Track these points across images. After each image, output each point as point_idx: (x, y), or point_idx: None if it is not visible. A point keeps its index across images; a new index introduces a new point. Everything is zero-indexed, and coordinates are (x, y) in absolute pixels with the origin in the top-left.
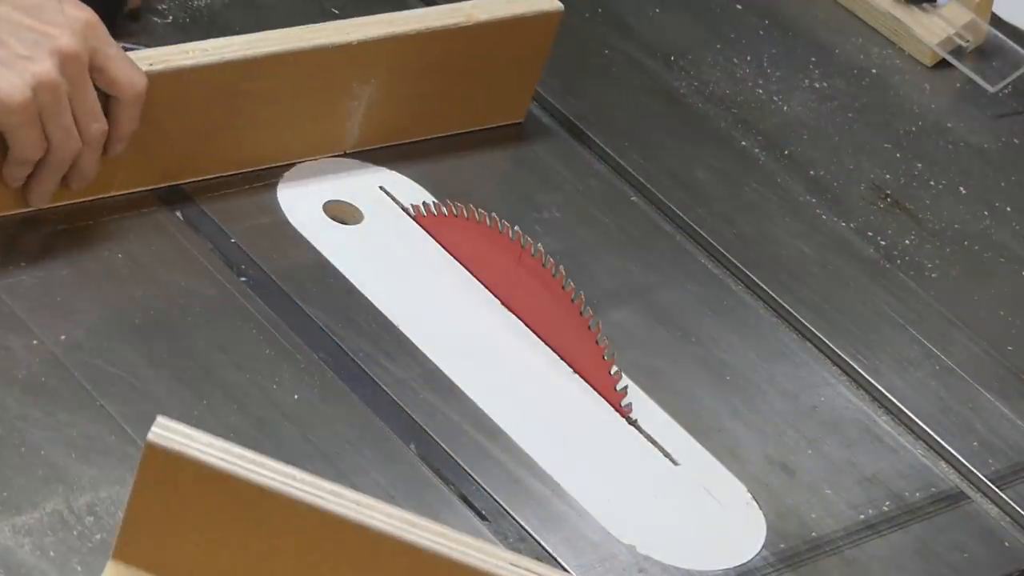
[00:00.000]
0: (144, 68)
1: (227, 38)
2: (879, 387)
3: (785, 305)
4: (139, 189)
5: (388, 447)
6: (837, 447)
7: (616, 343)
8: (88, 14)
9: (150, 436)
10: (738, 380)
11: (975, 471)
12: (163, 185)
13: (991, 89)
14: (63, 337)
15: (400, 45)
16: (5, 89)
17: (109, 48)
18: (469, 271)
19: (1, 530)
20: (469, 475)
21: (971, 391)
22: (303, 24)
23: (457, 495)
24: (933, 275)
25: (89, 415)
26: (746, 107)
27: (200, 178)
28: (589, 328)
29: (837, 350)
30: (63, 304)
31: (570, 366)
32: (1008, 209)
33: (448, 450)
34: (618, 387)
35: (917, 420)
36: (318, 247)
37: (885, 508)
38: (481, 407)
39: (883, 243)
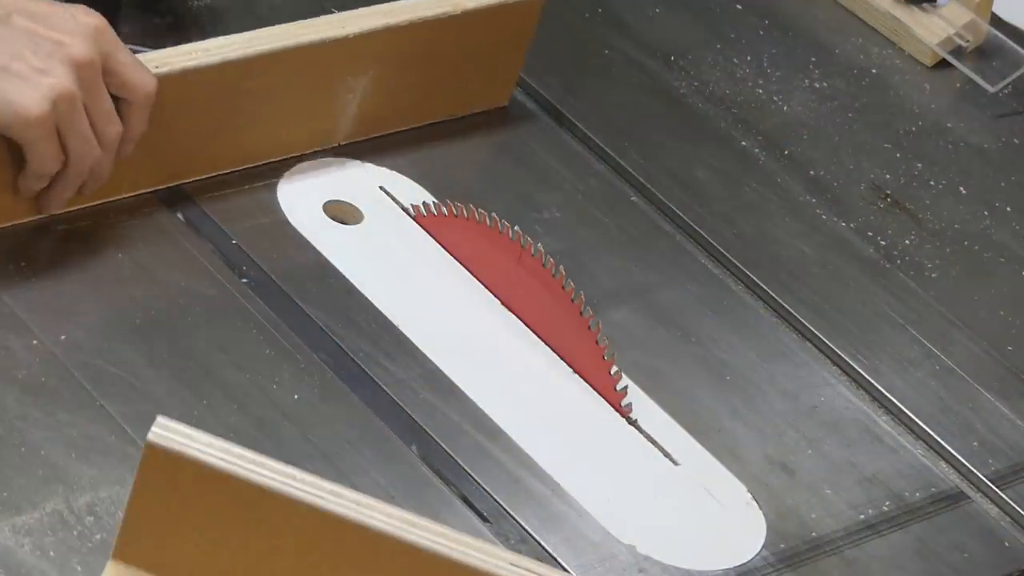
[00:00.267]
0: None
1: (227, 37)
2: (879, 387)
3: (785, 305)
4: (145, 191)
5: (388, 447)
6: (837, 447)
7: (616, 343)
8: (97, 19)
9: (150, 436)
10: (738, 380)
11: (975, 471)
12: (168, 185)
13: (991, 89)
14: (63, 337)
15: (393, 36)
16: (24, 103)
17: (119, 52)
18: (469, 271)
19: (1, 530)
20: (469, 475)
21: (971, 391)
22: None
23: (457, 495)
24: (933, 275)
25: (89, 415)
26: (746, 107)
27: (203, 176)
28: (589, 328)
29: (837, 350)
30: (63, 304)
31: (570, 366)
32: (1008, 209)
33: (448, 450)
34: (618, 387)
35: (917, 420)
36: (318, 247)
37: (885, 508)
38: (481, 407)
39: (883, 243)
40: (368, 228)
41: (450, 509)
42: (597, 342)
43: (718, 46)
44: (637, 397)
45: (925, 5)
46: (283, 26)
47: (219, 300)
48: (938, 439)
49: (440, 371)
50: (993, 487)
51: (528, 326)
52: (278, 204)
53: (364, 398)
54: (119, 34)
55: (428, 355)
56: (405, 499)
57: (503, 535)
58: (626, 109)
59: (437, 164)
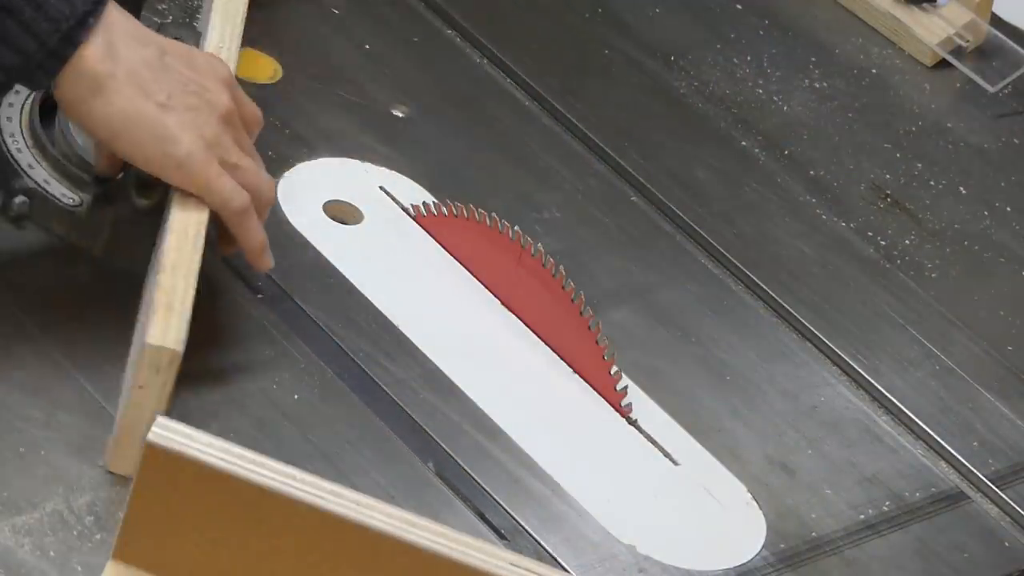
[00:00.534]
0: None
1: (210, 25)
2: (879, 387)
3: (785, 305)
4: None
5: (388, 447)
6: (837, 447)
7: (616, 343)
8: (227, 66)
9: (150, 436)
10: (738, 380)
11: (975, 471)
12: None
13: (991, 89)
14: (63, 337)
15: None
16: (183, 139)
17: (240, 93)
18: (469, 271)
19: (1, 530)
20: (469, 475)
21: (971, 391)
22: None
23: (457, 495)
24: (933, 275)
25: (89, 415)
26: (746, 107)
27: None
28: (589, 328)
29: (837, 350)
30: (64, 304)
31: (570, 366)
32: (1008, 209)
33: (448, 450)
34: (618, 387)
35: (917, 420)
36: (318, 247)
37: (885, 508)
38: (481, 407)
39: (883, 243)
40: (368, 228)
41: (450, 509)
42: (597, 342)
43: (718, 46)
44: (637, 397)
45: (925, 5)
46: None
47: (219, 300)
48: (938, 439)
49: (440, 371)
50: (993, 487)
51: (528, 326)
52: (278, 204)
53: (364, 398)
54: None
55: (428, 355)
56: (405, 499)
57: (503, 535)
58: (626, 109)
59: (437, 164)
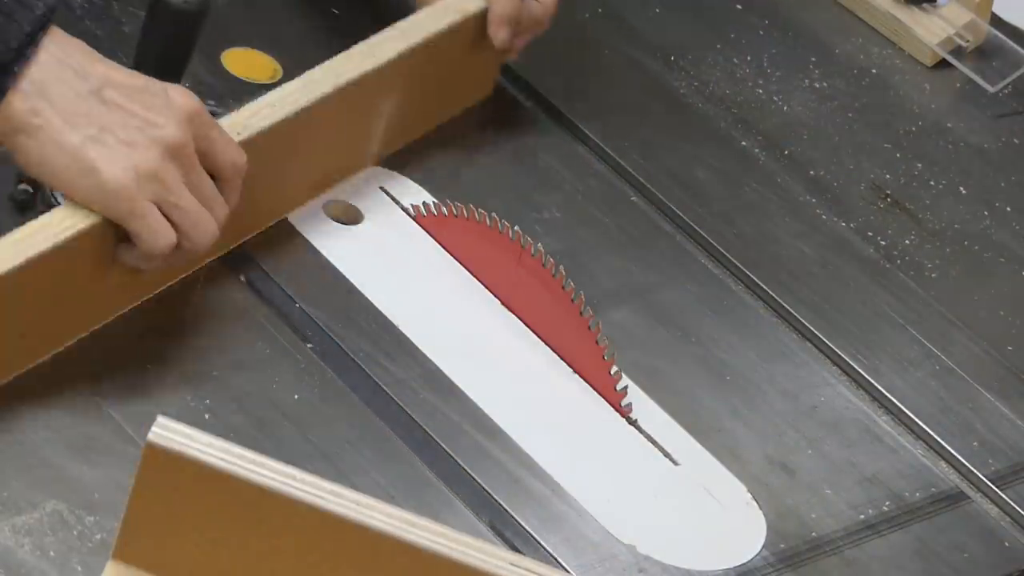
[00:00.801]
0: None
1: (282, 88)
2: (879, 387)
3: (785, 305)
4: (218, 255)
5: (388, 447)
6: (837, 447)
7: (616, 343)
8: (192, 101)
9: (150, 436)
10: (738, 380)
11: (975, 471)
12: (234, 247)
13: (991, 89)
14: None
15: (414, 54)
16: (108, 172)
17: (212, 131)
18: (469, 271)
19: (1, 530)
20: (469, 475)
21: (971, 391)
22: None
23: (457, 495)
24: (933, 275)
25: (89, 415)
26: (746, 107)
27: (260, 230)
28: (589, 328)
29: (837, 350)
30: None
31: (570, 366)
32: (1008, 209)
33: (448, 450)
34: (618, 387)
35: (917, 420)
36: (318, 247)
37: (885, 508)
38: (481, 407)
39: (883, 243)
40: (368, 228)
41: (450, 509)
42: (597, 342)
43: (718, 46)
44: (637, 397)
45: (925, 5)
46: (326, 65)
47: (219, 300)
48: (938, 439)
49: (440, 371)
50: (993, 487)
51: (528, 326)
52: None
53: (364, 398)
54: (123, 34)
55: (428, 355)
56: (405, 499)
57: (503, 535)
58: (626, 109)
59: (437, 164)
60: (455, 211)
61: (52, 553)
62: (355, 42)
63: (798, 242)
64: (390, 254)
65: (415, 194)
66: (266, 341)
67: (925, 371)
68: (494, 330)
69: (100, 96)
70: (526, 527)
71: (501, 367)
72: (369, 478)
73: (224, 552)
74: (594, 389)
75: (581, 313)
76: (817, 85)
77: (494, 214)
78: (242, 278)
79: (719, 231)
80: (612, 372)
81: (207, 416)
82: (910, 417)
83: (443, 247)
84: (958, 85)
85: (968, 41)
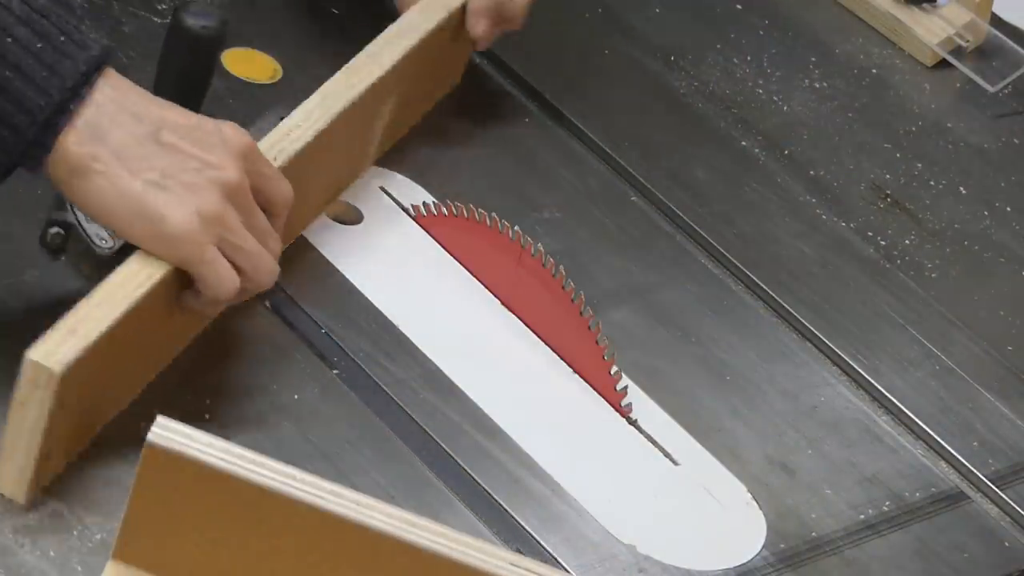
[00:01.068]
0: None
1: (302, 107)
2: (879, 387)
3: (785, 305)
4: None
5: (388, 447)
6: (837, 447)
7: (616, 343)
8: (245, 138)
9: (150, 436)
10: (738, 380)
11: (975, 471)
12: None
13: (991, 89)
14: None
15: (412, 55)
16: (174, 218)
17: (264, 166)
18: (469, 271)
19: (1, 530)
20: (469, 475)
21: (971, 391)
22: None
23: (457, 495)
24: (933, 275)
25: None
26: (746, 107)
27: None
28: (589, 328)
29: (837, 350)
30: (63, 304)
31: (570, 366)
32: (1008, 209)
33: (448, 450)
34: (618, 387)
35: (917, 420)
36: (318, 247)
37: (885, 508)
38: (481, 407)
39: (883, 243)
40: (368, 228)
41: (450, 509)
42: (597, 342)
43: (718, 46)
44: (637, 397)
45: (925, 5)
46: (338, 77)
47: None
48: (938, 439)
49: (440, 371)
50: (993, 487)
51: (528, 326)
52: None
53: (364, 398)
54: (123, 34)
55: (428, 355)
56: (405, 499)
57: (503, 535)
58: (626, 109)
59: (437, 164)
60: (455, 211)
61: (52, 553)
62: (355, 42)
63: (798, 242)
64: (390, 254)
65: (415, 194)
66: (266, 341)
67: (925, 371)
68: (494, 330)
69: (157, 139)
70: (526, 527)
71: (501, 367)
72: (369, 478)
73: (224, 552)
74: (594, 389)
75: (581, 313)
76: (817, 85)
77: (494, 214)
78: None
79: (719, 231)
80: (612, 372)
81: (207, 416)
82: (910, 417)
83: (443, 247)
84: (958, 85)
85: (968, 41)
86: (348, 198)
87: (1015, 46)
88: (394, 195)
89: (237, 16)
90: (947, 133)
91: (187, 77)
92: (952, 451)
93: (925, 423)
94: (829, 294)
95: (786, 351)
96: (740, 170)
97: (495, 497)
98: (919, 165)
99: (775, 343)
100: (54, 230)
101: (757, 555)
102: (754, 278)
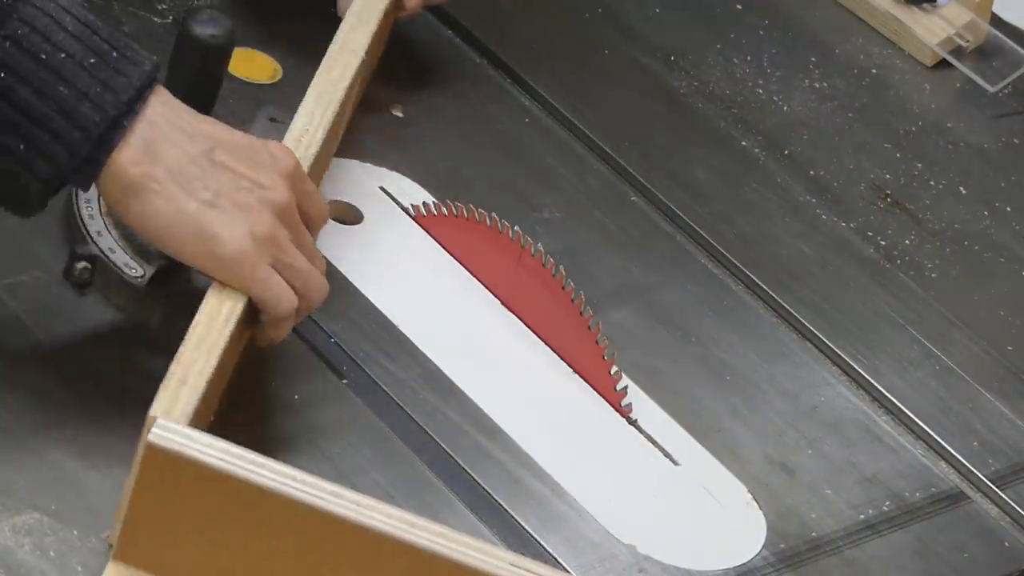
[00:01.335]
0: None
1: (303, 109)
2: (879, 387)
3: (785, 305)
4: None
5: (388, 447)
6: (837, 447)
7: (616, 343)
8: (292, 158)
9: (150, 436)
10: (738, 380)
11: (975, 471)
12: None
13: (991, 89)
14: (64, 337)
15: (374, 36)
16: (229, 237)
17: (307, 185)
18: (469, 271)
19: (1, 530)
20: (469, 475)
21: (971, 391)
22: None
23: (457, 495)
24: (933, 275)
25: (89, 415)
26: (746, 107)
27: None
28: (589, 328)
29: (837, 350)
30: (63, 305)
31: (570, 366)
32: (1008, 209)
33: (448, 450)
34: (618, 387)
35: (917, 420)
36: (318, 247)
37: (885, 508)
38: (481, 407)
39: (883, 243)
40: (368, 228)
41: (450, 509)
42: (597, 342)
43: (718, 46)
44: (637, 397)
45: (925, 5)
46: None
47: None
48: (938, 439)
49: (440, 371)
50: (993, 487)
51: (528, 326)
52: None
53: (364, 398)
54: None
55: (428, 355)
56: (405, 499)
57: (503, 535)
58: (626, 109)
59: (437, 164)
60: (455, 211)
61: (52, 553)
62: None
63: (798, 242)
64: (390, 254)
65: (415, 194)
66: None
67: (925, 371)
68: (494, 330)
69: (211, 158)
70: (526, 527)
71: (501, 367)
72: (369, 478)
73: (224, 552)
74: (594, 389)
75: (581, 313)
76: (817, 85)
77: (494, 214)
78: None
79: (719, 231)
80: (612, 372)
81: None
82: (910, 417)
83: (443, 247)
84: (958, 85)
85: (968, 41)
86: (348, 198)
87: (1015, 46)
88: (394, 195)
89: (237, 16)
90: (947, 133)
91: (196, 86)
92: (952, 451)
93: (925, 423)
94: (829, 294)
95: (786, 351)
96: (740, 170)
97: (495, 497)
98: (919, 165)
99: (775, 343)
100: (81, 264)
101: (757, 555)
102: (754, 278)
